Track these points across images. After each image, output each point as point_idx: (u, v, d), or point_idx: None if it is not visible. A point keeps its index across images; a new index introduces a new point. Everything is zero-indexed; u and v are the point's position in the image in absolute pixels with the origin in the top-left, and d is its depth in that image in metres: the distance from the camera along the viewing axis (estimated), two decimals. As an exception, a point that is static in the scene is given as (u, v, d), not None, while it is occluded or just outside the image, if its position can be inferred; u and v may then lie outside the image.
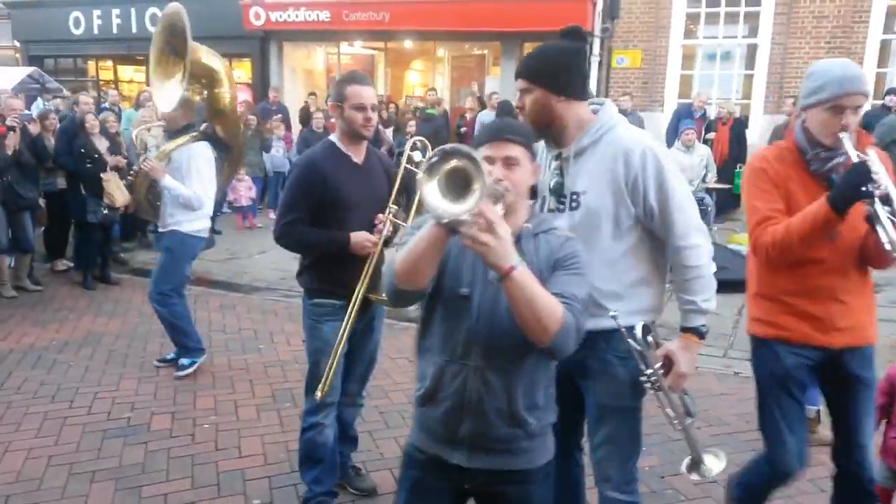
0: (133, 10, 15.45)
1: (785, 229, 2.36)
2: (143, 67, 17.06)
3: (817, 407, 4.05)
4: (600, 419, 2.43)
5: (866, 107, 11.30)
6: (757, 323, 2.66)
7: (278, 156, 11.14)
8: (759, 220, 2.46)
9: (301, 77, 15.69)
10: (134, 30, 15.50)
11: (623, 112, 11.10)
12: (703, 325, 2.34)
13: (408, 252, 1.74)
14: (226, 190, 9.53)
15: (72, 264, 7.85)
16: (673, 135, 10.13)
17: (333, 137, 3.15)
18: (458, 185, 1.55)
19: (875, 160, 2.25)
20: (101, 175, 7.11)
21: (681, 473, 3.69)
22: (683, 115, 10.48)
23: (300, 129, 11.84)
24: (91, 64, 17.47)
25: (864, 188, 2.17)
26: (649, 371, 2.21)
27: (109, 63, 17.43)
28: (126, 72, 17.68)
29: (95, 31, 16.00)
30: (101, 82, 17.17)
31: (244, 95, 14.44)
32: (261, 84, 14.69)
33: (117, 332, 5.98)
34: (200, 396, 4.68)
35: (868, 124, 10.03)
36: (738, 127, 10.45)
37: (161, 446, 3.97)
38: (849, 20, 10.82)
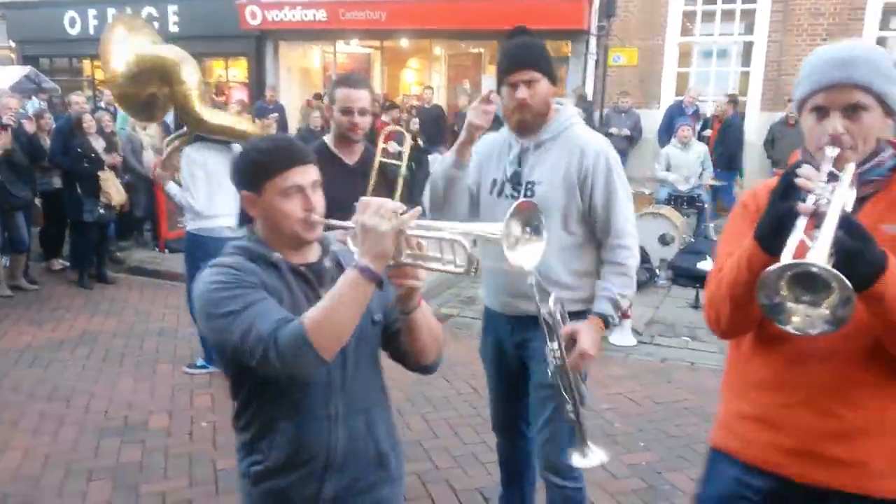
0: (129, 10, 15.40)
1: (717, 282, 1.64)
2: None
3: None
4: (541, 402, 2.51)
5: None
6: (716, 426, 1.86)
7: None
8: (712, 273, 1.71)
9: (297, 76, 15.67)
10: (130, 29, 15.44)
11: (621, 110, 11.04)
12: (612, 317, 2.43)
13: (331, 312, 1.46)
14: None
15: (68, 263, 7.84)
16: (665, 133, 10.12)
17: (327, 138, 3.16)
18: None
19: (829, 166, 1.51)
20: (99, 174, 7.12)
21: (680, 469, 3.73)
22: (675, 112, 10.49)
23: (297, 129, 11.83)
24: (86, 63, 17.42)
25: (789, 206, 1.40)
26: (555, 345, 2.13)
27: (105, 62, 17.37)
28: (122, 71, 17.61)
29: (91, 31, 15.93)
30: (97, 82, 17.13)
31: (240, 95, 14.44)
32: (257, 83, 14.67)
33: (114, 331, 5.97)
34: (198, 395, 4.68)
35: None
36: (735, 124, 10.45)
37: (159, 445, 3.97)
38: (845, 17, 10.84)
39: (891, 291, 1.36)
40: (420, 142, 10.28)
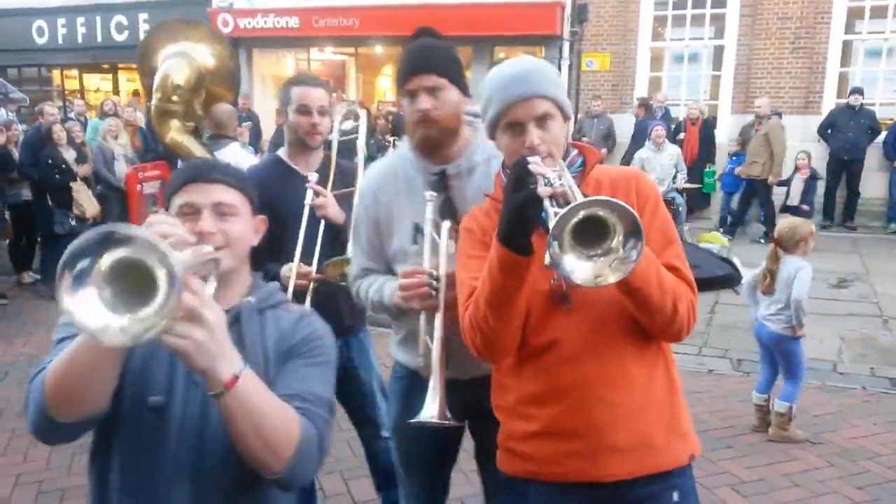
0: (98, 19, 15.22)
1: (473, 305, 1.60)
2: (109, 76, 16.86)
3: (790, 403, 4.10)
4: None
5: (830, 105, 11.45)
6: (500, 453, 1.77)
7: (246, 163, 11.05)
8: (463, 299, 1.66)
9: (271, 84, 15.57)
10: (99, 38, 15.27)
11: (594, 116, 11.07)
12: None
13: (62, 367, 1.20)
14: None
15: (39, 276, 7.69)
16: (638, 137, 10.18)
17: (281, 151, 2.81)
18: (134, 282, 1.05)
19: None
20: (71, 185, 7.00)
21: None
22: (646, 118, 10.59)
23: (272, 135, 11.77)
24: (56, 73, 17.18)
25: (529, 193, 1.39)
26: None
27: (75, 72, 17.15)
28: (92, 80, 17.41)
29: (60, 41, 15.73)
30: (67, 92, 16.89)
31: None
32: (230, 91, 14.56)
33: (87, 346, 5.86)
34: (173, 409, 4.60)
35: (832, 124, 10.26)
36: (707, 127, 10.59)
37: (133, 461, 3.90)
38: (811, 21, 11.03)
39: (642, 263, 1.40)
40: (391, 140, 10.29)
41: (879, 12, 11.07)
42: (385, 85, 16.41)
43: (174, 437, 1.32)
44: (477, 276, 1.59)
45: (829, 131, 10.32)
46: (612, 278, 1.32)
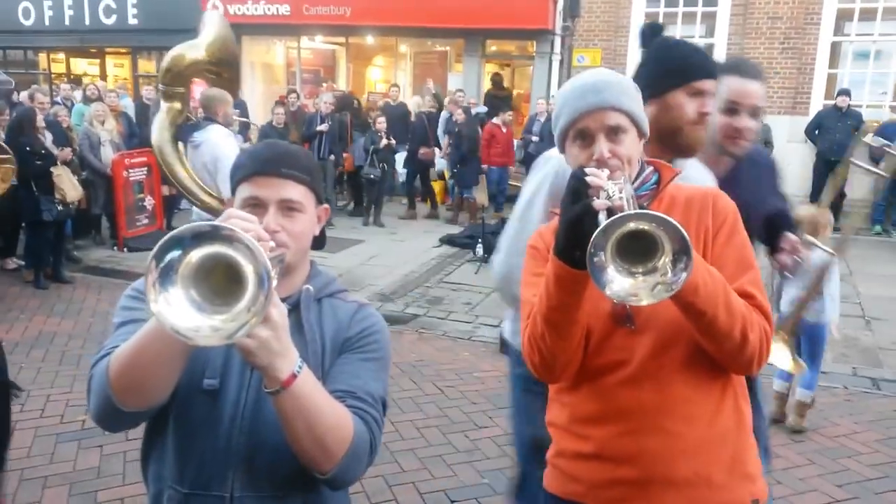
0: (86, 2, 15.03)
1: (532, 322, 1.55)
2: (97, 60, 16.67)
3: (812, 392, 4.19)
4: None
5: (818, 106, 11.53)
6: (548, 470, 1.74)
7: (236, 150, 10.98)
8: (524, 318, 1.62)
9: (260, 71, 15.48)
10: (87, 21, 15.07)
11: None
12: None
13: (129, 355, 1.20)
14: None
15: (23, 262, 7.61)
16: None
17: None
18: (218, 280, 1.06)
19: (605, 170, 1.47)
20: (52, 169, 6.91)
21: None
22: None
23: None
24: (42, 56, 16.95)
25: (585, 205, 1.34)
26: None
27: (62, 55, 16.95)
28: (80, 64, 17.21)
29: (47, 23, 15.51)
30: (54, 75, 16.68)
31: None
32: (219, 78, 14.44)
33: (70, 333, 5.82)
34: (158, 397, 4.58)
35: (819, 125, 10.33)
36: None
37: (117, 449, 3.87)
38: (801, 21, 11.09)
39: (701, 279, 1.37)
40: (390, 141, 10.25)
41: (868, 14, 11.15)
42: (376, 75, 16.34)
43: (227, 422, 1.31)
44: (536, 293, 1.53)
45: (817, 132, 10.40)
46: (646, 300, 1.27)
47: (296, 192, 1.37)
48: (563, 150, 1.66)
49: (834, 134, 10.11)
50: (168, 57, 4.93)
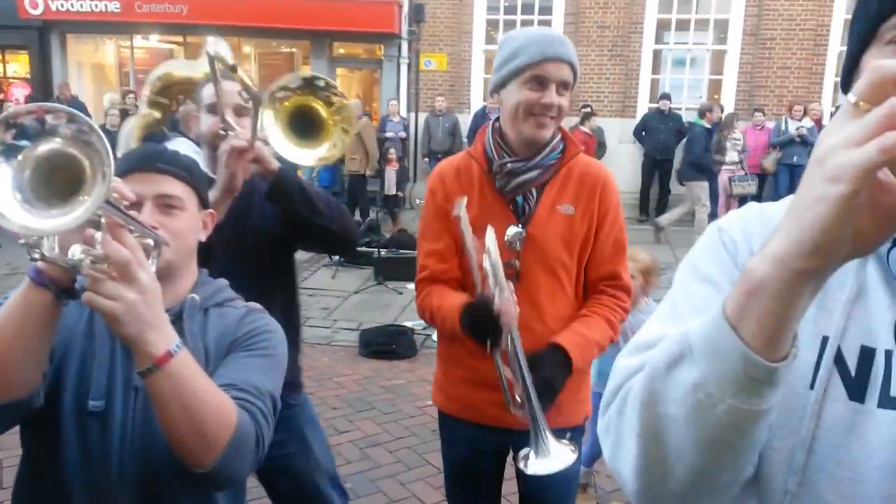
0: None
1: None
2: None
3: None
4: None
5: (643, 109, 12.34)
6: (436, 389, 2.03)
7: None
8: (419, 269, 1.87)
9: (89, 72, 14.40)
10: None
11: (438, 112, 11.21)
12: None
13: None
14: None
15: None
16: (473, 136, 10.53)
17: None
18: (61, 180, 0.93)
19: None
20: None
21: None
22: (480, 118, 11.02)
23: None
24: None
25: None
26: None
27: None
28: None
29: None
30: None
31: (23, 92, 12.99)
32: (41, 79, 13.26)
33: None
34: None
35: (645, 127, 11.23)
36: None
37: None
38: (627, 31, 11.99)
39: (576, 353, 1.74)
40: None
41: (683, 24, 12.28)
42: (218, 77, 15.72)
43: (118, 444, 1.22)
44: (433, 249, 1.83)
45: (644, 133, 11.30)
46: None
47: (174, 187, 1.30)
48: (501, 87, 1.75)
49: (658, 135, 11.02)
50: (161, 68, 4.63)
